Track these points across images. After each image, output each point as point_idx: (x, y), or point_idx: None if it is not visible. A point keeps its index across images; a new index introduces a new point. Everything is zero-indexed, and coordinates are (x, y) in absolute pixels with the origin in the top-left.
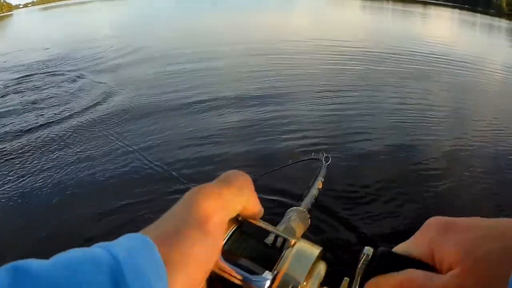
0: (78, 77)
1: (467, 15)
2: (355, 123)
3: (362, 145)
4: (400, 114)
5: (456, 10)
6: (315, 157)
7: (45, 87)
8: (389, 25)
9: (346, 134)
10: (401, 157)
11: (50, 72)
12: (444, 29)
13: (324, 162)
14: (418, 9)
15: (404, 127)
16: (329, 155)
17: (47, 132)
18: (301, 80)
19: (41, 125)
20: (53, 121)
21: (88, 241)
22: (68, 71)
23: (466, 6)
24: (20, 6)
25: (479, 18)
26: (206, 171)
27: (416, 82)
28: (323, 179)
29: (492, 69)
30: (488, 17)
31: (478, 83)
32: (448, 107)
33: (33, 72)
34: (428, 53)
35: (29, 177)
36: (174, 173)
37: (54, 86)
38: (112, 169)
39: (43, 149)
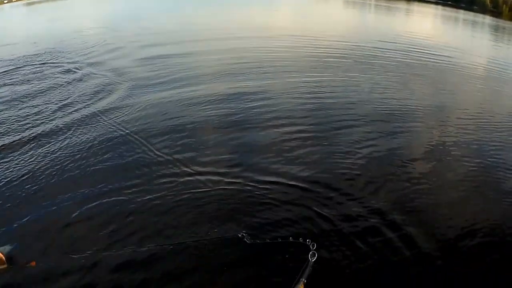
0: (70, 68)
1: (450, 12)
2: (339, 111)
3: (345, 134)
4: (383, 102)
5: (439, 7)
6: (303, 242)
7: (35, 78)
8: (371, 20)
9: (330, 122)
10: (384, 141)
11: (39, 63)
12: (427, 25)
13: (310, 258)
14: (401, 5)
15: (386, 114)
16: (315, 252)
17: (47, 122)
18: (284, 72)
19: (40, 114)
20: (50, 111)
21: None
22: (55, 63)
23: (449, 2)
24: (5, 2)
25: (462, 15)
26: (194, 155)
27: (399, 74)
28: (305, 281)
29: (475, 61)
30: (471, 13)
31: (461, 74)
32: (431, 98)
33: (23, 65)
34: (411, 47)
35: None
36: (164, 156)
37: (43, 78)
38: (104, 153)
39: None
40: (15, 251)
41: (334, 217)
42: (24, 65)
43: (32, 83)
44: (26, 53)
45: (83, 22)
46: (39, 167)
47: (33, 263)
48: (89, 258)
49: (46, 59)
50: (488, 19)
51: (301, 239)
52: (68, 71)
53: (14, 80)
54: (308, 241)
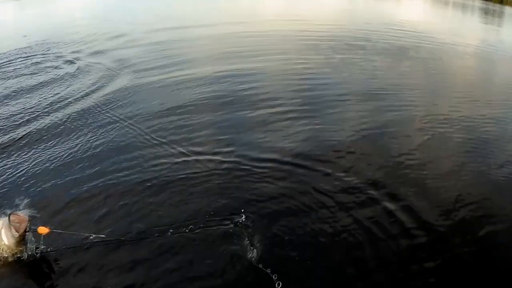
0: (62, 58)
1: None
2: (330, 90)
3: (336, 112)
4: (373, 82)
5: None
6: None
7: (26, 68)
8: (362, 4)
9: (321, 101)
10: (374, 119)
11: (28, 57)
12: (417, 8)
13: None
14: None
15: (376, 93)
16: None
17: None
18: (275, 55)
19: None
20: (42, 99)
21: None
22: (46, 54)
23: None
24: None
25: None
26: (186, 137)
27: (390, 55)
28: None
29: (466, 43)
30: None
31: (452, 55)
32: (422, 77)
33: (14, 58)
34: (401, 30)
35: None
36: (157, 139)
37: (35, 68)
38: (96, 138)
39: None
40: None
41: (329, 191)
42: (16, 58)
43: (24, 74)
44: (18, 46)
45: (75, 14)
46: (34, 155)
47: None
48: (79, 240)
49: (38, 51)
50: (477, 2)
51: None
52: (60, 61)
53: (6, 71)
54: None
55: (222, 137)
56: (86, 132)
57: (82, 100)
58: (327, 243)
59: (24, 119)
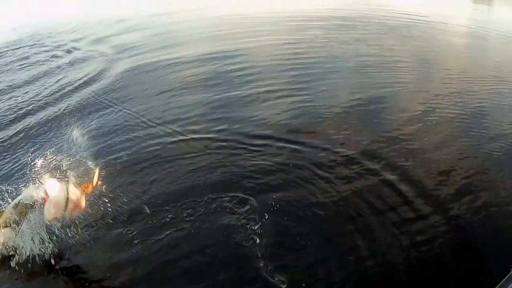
0: (53, 48)
1: None
2: (320, 68)
3: (328, 90)
4: (364, 59)
5: None
6: None
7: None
8: None
9: (312, 79)
10: (365, 94)
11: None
12: None
13: None
14: None
15: (366, 70)
16: None
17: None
18: (263, 34)
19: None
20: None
21: None
22: (36, 45)
23: None
24: None
25: None
26: (177, 118)
27: (383, 36)
28: None
29: (457, 22)
30: None
31: (443, 33)
32: (414, 54)
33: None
34: (392, 10)
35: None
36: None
37: (27, 60)
38: (87, 121)
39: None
40: None
41: (324, 164)
42: (6, 50)
43: (15, 66)
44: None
45: (62, 4)
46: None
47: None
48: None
49: (28, 43)
50: None
51: None
52: (51, 49)
53: None
54: None
55: (215, 116)
56: (80, 117)
57: (69, 87)
58: (325, 214)
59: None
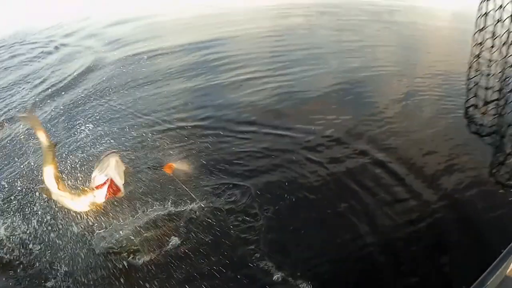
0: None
1: None
2: (302, 52)
3: (313, 80)
4: (348, 47)
5: None
6: None
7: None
8: None
9: (297, 70)
10: (351, 85)
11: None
12: None
13: None
14: None
15: (353, 58)
16: None
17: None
18: (245, 23)
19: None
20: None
21: None
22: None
23: None
24: None
25: None
26: (166, 107)
27: (365, 21)
28: None
29: (439, 8)
30: None
31: (426, 19)
32: (400, 43)
33: None
34: None
35: None
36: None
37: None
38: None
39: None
40: None
41: (310, 146)
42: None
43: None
44: None
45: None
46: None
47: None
48: None
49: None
50: None
51: None
52: (33, 46)
53: None
54: None
55: (201, 104)
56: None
57: (60, 81)
58: (316, 195)
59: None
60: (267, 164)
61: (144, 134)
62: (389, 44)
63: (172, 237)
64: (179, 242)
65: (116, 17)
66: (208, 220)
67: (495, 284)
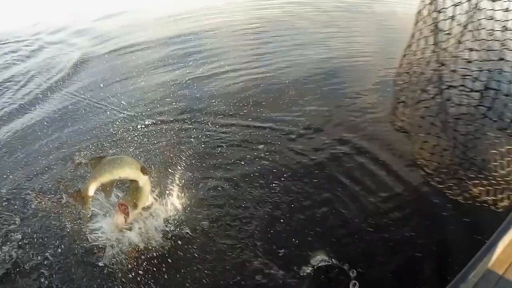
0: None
1: None
2: (278, 43)
3: (290, 73)
4: (325, 38)
5: None
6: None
7: None
8: None
9: (276, 62)
10: (330, 77)
11: None
12: None
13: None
14: None
15: (332, 51)
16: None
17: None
18: (220, 17)
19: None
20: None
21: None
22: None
23: None
24: None
25: None
26: (144, 102)
27: (343, 13)
28: None
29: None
30: None
31: (405, 11)
32: (379, 34)
33: None
34: None
35: None
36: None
37: None
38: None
39: None
40: None
41: (289, 137)
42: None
43: None
44: None
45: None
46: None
47: None
48: None
49: None
50: None
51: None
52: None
53: None
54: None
55: (180, 97)
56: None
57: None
58: (296, 185)
59: None
60: (249, 155)
61: (123, 130)
62: (367, 35)
63: (153, 231)
64: (160, 236)
65: (100, 13)
66: (192, 214)
67: (478, 277)
